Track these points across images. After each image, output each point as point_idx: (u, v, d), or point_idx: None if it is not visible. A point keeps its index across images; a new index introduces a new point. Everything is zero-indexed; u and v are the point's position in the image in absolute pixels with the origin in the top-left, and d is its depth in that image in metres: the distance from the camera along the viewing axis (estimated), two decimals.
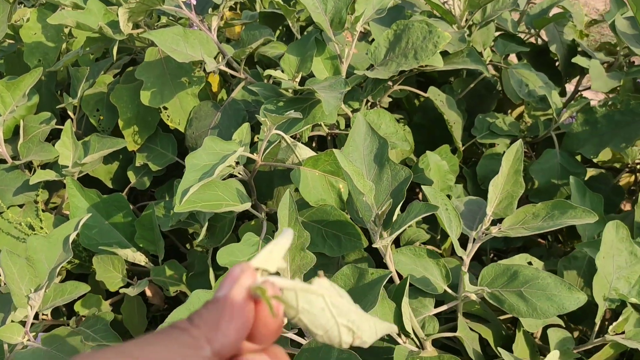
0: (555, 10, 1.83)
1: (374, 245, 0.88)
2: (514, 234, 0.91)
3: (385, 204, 0.89)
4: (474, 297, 0.88)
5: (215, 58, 1.30)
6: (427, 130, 1.61)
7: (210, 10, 1.34)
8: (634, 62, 1.78)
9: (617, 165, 1.59)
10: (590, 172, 1.59)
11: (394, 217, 0.92)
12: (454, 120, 1.46)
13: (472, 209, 1.11)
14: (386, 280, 0.80)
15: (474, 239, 0.97)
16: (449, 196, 1.36)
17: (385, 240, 0.87)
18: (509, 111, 1.84)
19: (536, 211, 0.94)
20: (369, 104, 1.44)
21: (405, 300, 0.83)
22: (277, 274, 0.37)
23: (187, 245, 1.58)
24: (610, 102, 1.38)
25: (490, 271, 0.91)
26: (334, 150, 0.92)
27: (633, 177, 1.55)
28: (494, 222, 0.97)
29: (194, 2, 1.31)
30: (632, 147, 1.33)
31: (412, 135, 1.58)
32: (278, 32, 1.84)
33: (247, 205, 1.03)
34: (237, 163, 1.13)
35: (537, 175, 1.41)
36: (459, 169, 1.47)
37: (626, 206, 1.72)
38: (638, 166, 1.56)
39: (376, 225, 0.90)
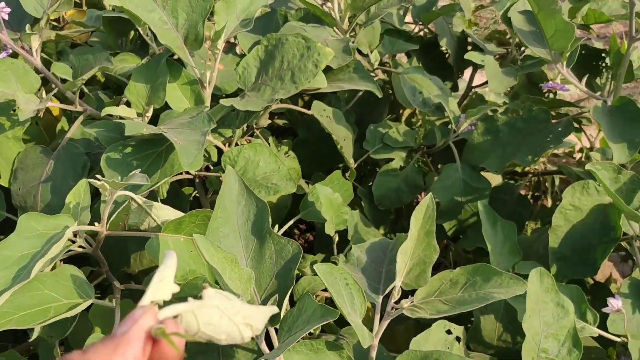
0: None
1: (260, 359, 0.67)
2: (430, 313, 0.74)
3: (270, 298, 0.68)
4: None
5: (39, 90, 1.01)
6: (314, 146, 1.41)
7: (28, 27, 1.03)
8: (524, 50, 1.68)
9: (519, 169, 1.49)
10: (493, 180, 1.47)
11: (282, 310, 0.71)
12: (344, 137, 1.27)
13: (376, 258, 0.93)
14: None
15: (382, 315, 0.79)
16: (344, 233, 1.18)
17: (275, 352, 0.66)
18: (401, 111, 1.68)
19: (454, 277, 0.77)
20: (244, 126, 1.21)
21: None
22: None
23: None
24: (511, 108, 1.25)
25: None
26: (195, 236, 0.69)
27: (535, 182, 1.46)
28: (405, 293, 0.80)
29: (6, 17, 1.01)
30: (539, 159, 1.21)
31: (299, 151, 1.38)
32: (132, 34, 1.54)
33: (88, 302, 0.78)
34: (76, 234, 0.87)
35: (439, 194, 1.26)
36: (353, 193, 1.29)
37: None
38: (541, 165, 1.46)
39: None
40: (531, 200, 1.57)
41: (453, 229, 1.30)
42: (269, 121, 1.25)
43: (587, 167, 0.97)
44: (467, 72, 1.73)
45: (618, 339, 0.94)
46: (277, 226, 1.08)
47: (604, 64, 1.55)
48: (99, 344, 0.36)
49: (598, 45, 1.63)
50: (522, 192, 1.82)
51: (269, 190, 0.97)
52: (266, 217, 0.75)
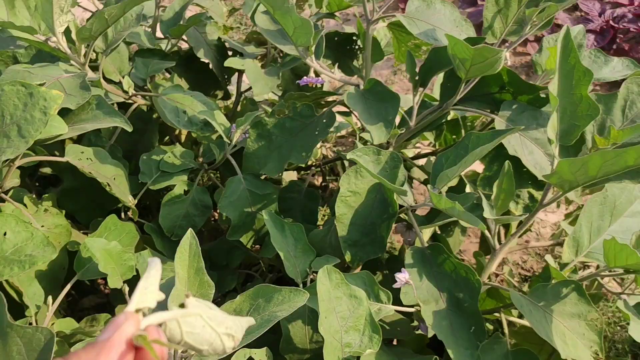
0: (192, 10, 1.65)
1: None
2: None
3: None
4: None
5: None
6: (84, 191, 1.28)
7: None
8: None
9: (303, 165, 1.51)
10: (289, 176, 1.48)
11: None
12: (113, 176, 1.17)
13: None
14: None
15: None
16: (133, 281, 1.08)
17: None
18: (177, 131, 1.61)
19: (237, 306, 0.74)
20: None
21: None
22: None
23: None
24: (277, 110, 1.25)
25: None
26: None
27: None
28: None
29: None
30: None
31: (69, 201, 1.25)
32: None
33: None
34: None
35: (228, 211, 1.22)
36: (137, 233, 1.20)
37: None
38: (328, 151, 1.50)
39: None
40: (320, 191, 1.60)
41: (251, 241, 1.27)
42: (18, 180, 1.10)
43: (349, 156, 1.00)
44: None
45: (413, 309, 0.98)
46: (50, 299, 0.96)
47: (356, 46, 1.62)
48: (81, 351, 0.36)
49: (350, 28, 1.70)
50: (319, 180, 1.86)
51: (23, 264, 0.85)
52: (3, 310, 0.64)
